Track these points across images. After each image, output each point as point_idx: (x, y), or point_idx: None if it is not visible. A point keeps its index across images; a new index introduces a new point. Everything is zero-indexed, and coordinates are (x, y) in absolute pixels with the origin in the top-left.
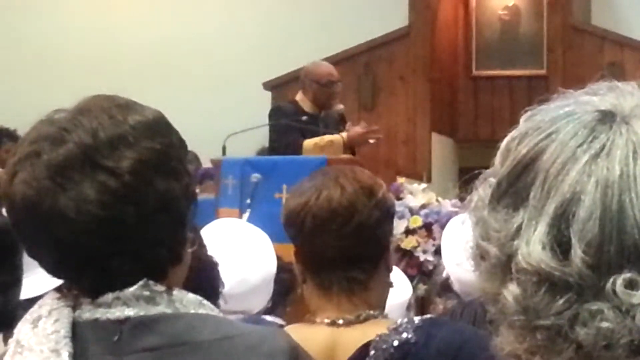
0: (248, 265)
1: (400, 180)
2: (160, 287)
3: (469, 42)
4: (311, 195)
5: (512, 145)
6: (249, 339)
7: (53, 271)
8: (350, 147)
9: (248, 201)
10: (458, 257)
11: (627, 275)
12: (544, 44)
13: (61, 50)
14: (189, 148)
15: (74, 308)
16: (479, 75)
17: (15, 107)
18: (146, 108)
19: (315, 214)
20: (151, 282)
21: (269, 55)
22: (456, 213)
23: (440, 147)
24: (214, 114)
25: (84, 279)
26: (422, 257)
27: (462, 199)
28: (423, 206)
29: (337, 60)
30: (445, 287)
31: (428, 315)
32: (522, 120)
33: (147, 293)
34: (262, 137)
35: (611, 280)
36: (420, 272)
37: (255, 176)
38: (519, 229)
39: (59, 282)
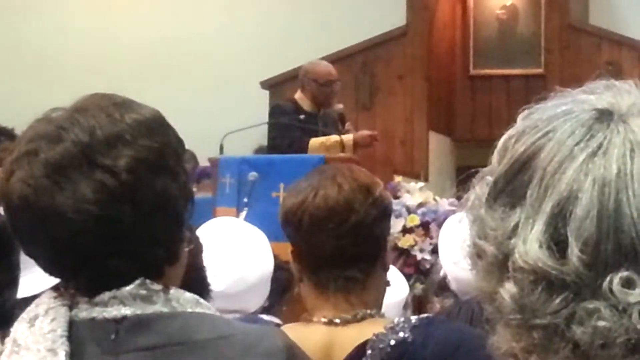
0: (245, 264)
1: (398, 179)
2: (157, 286)
3: (466, 42)
4: (308, 194)
5: (509, 144)
6: (246, 338)
7: (50, 270)
8: (359, 148)
9: (245, 200)
10: (455, 256)
11: (624, 273)
12: (542, 43)
13: (61, 50)
14: (187, 147)
15: (71, 307)
16: (476, 74)
17: (15, 107)
18: (144, 107)
19: (313, 213)
20: (148, 281)
21: (267, 54)
22: (453, 212)
23: (438, 146)
24: (212, 112)
25: (80, 278)
26: (419, 256)
27: (459, 198)
28: (420, 205)
29: (334, 60)
30: (443, 286)
31: (425, 315)
32: (519, 118)
33: (143, 292)
34: (259, 136)
35: (608, 278)
36: (418, 271)
37: (253, 175)
38: (516, 227)
39: (55, 281)
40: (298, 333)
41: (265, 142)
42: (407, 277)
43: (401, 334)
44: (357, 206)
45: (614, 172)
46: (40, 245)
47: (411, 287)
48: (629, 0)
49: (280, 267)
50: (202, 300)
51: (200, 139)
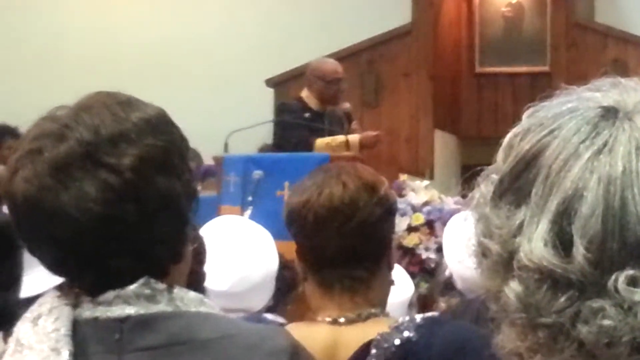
0: (249, 263)
1: (403, 177)
2: (161, 285)
3: (472, 39)
4: (313, 192)
5: (514, 142)
6: (250, 337)
7: (53, 269)
8: (365, 148)
9: (250, 198)
10: (460, 255)
11: (629, 272)
12: (547, 41)
13: (61, 50)
14: (191, 145)
15: (75, 306)
16: (482, 72)
17: (15, 107)
18: (148, 105)
19: (317, 212)
20: (152, 280)
21: (271, 53)
22: (459, 210)
23: (443, 144)
24: (216, 111)
25: (84, 277)
26: (424, 255)
27: (464, 196)
28: (425, 203)
29: (339, 58)
30: (448, 286)
31: (430, 314)
32: (524, 116)
33: (147, 291)
34: (264, 134)
35: (613, 277)
36: (422, 270)
37: (257, 173)
38: (521, 225)
39: (59, 280)
40: (302, 332)
41: (269, 141)
42: (412, 276)
43: (406, 333)
44: (361, 205)
45: (619, 170)
46: (43, 245)
47: (416, 286)
48: None
49: (284, 266)
50: (206, 300)
51: (205, 137)
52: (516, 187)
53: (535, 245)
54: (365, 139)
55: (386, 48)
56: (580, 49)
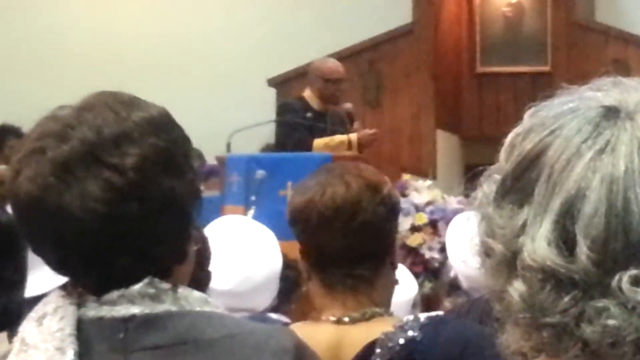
0: (253, 263)
1: (406, 177)
2: (166, 285)
3: (472, 39)
4: (316, 192)
5: (516, 142)
6: (254, 337)
7: (57, 268)
8: (363, 148)
9: (253, 198)
10: (464, 254)
11: (632, 272)
12: (548, 40)
13: (62, 50)
14: (194, 145)
15: (79, 306)
16: (483, 72)
17: (15, 107)
18: (150, 105)
19: (320, 211)
20: (156, 280)
21: (272, 52)
22: (462, 210)
23: (445, 144)
24: (218, 111)
25: (89, 277)
26: (427, 255)
27: (467, 196)
28: (428, 203)
29: (341, 58)
30: (454, 286)
31: (434, 313)
32: (526, 116)
33: (152, 291)
34: (266, 134)
35: (617, 277)
36: (426, 270)
37: (260, 173)
38: (524, 225)
39: (63, 279)
40: (306, 332)
41: (272, 140)
42: (416, 275)
43: (410, 333)
44: (365, 204)
45: (621, 169)
46: (47, 244)
47: (420, 285)
48: None
49: (288, 265)
50: (210, 299)
51: (207, 137)
52: (519, 187)
53: (539, 245)
54: (362, 138)
55: (387, 48)
56: (581, 49)
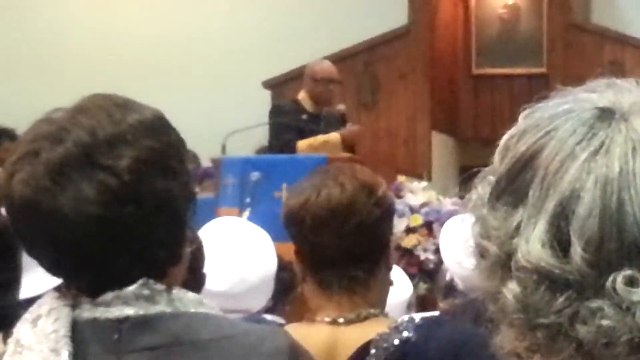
0: (248, 264)
1: (401, 178)
2: (160, 286)
3: (468, 41)
4: (311, 193)
5: (510, 143)
6: (249, 338)
7: (52, 270)
8: (347, 145)
9: (248, 200)
10: (458, 256)
11: (627, 272)
12: (544, 42)
13: (61, 50)
14: (189, 147)
15: (74, 307)
16: (479, 73)
17: (15, 107)
18: (145, 107)
19: (315, 213)
20: (151, 281)
21: (268, 54)
22: (456, 211)
23: (441, 146)
24: (214, 113)
25: (83, 278)
26: (422, 256)
27: (462, 198)
28: (423, 205)
29: (336, 59)
30: (450, 289)
31: (429, 314)
32: (521, 118)
33: (146, 292)
34: (261, 136)
35: (611, 277)
36: (421, 271)
37: (255, 175)
38: (518, 226)
39: (58, 281)
40: (301, 333)
41: (267, 142)
42: (411, 276)
43: (405, 334)
44: (360, 206)
45: (616, 171)
46: (42, 246)
47: (415, 287)
48: None
49: (283, 267)
50: (205, 300)
51: (202, 139)
52: (513, 189)
53: (533, 246)
54: (345, 135)
55: (383, 49)
56: (577, 51)
